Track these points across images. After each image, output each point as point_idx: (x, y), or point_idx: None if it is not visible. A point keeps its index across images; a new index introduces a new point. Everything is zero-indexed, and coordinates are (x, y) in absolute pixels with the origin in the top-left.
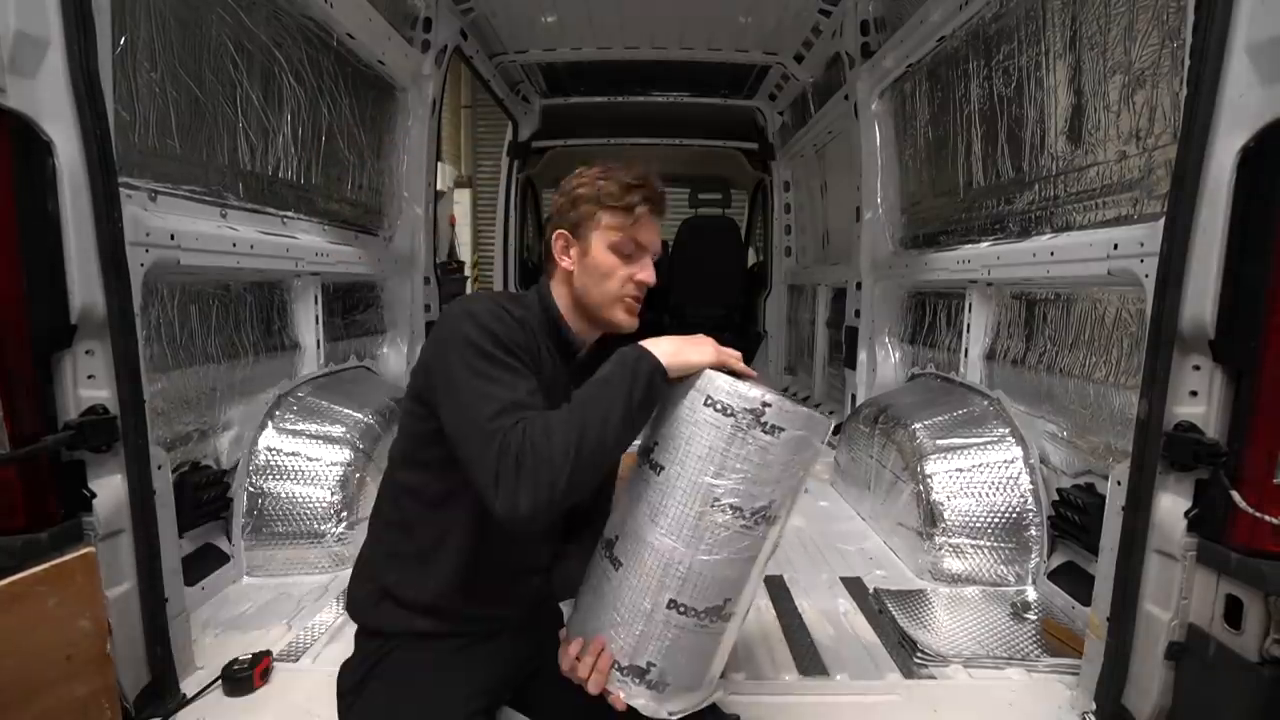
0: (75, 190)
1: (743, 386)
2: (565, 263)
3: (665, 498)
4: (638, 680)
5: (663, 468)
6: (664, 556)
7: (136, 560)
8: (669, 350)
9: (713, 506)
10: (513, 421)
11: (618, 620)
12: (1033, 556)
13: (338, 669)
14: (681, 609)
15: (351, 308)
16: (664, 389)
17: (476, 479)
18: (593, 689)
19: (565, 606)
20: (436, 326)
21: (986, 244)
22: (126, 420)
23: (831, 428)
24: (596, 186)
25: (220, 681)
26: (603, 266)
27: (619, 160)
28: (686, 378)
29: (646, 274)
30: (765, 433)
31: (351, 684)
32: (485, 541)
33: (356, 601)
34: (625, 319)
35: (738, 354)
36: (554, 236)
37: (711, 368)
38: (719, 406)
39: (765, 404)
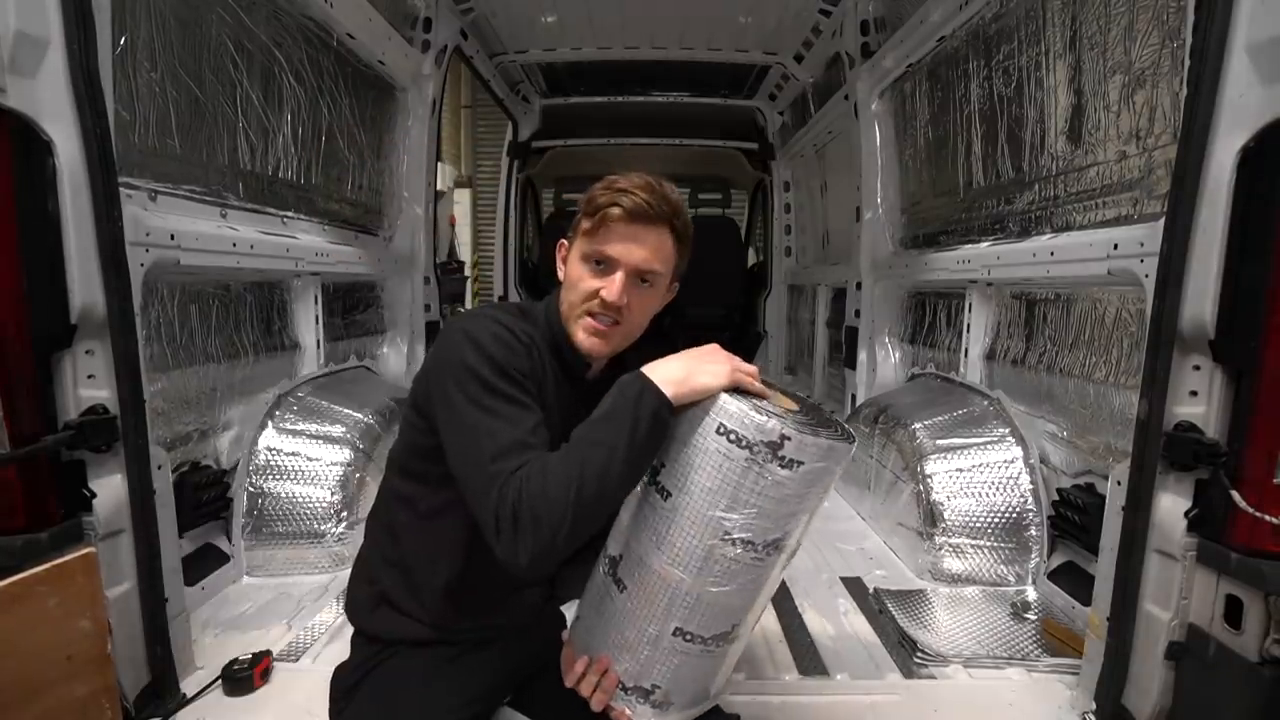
0: (75, 190)
1: (759, 416)
2: (561, 272)
3: (671, 527)
4: (642, 700)
5: (670, 494)
6: (670, 586)
7: (136, 560)
8: (676, 377)
9: (722, 540)
10: (513, 465)
11: (622, 643)
12: (1033, 556)
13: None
14: (688, 636)
15: (351, 308)
16: (670, 420)
17: (478, 519)
18: (596, 707)
19: (567, 609)
20: (438, 343)
21: (986, 244)
22: (126, 420)
23: (853, 449)
24: (589, 191)
25: (220, 681)
26: (571, 277)
27: (619, 159)
28: (699, 401)
29: (609, 291)
30: (783, 467)
31: (345, 689)
32: (478, 556)
33: (355, 603)
34: (585, 340)
35: (754, 369)
36: (558, 246)
37: (726, 389)
38: (732, 436)
39: (784, 437)
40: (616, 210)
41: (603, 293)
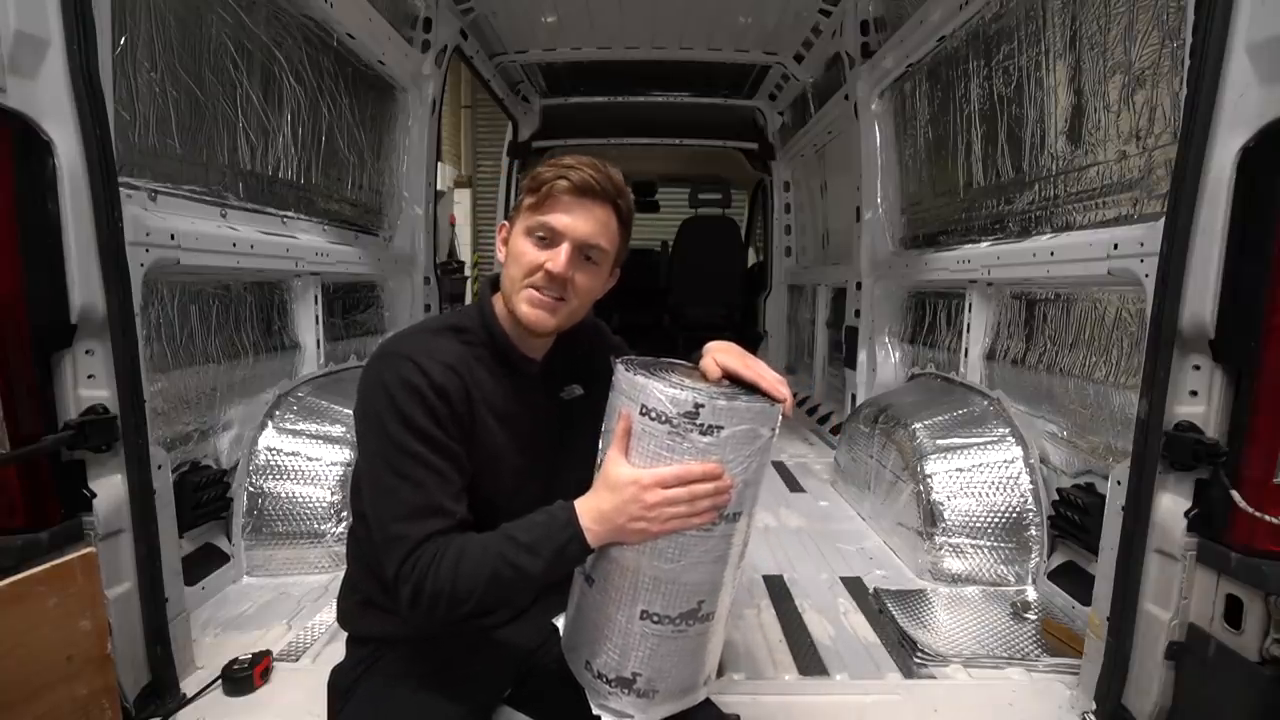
0: (75, 190)
1: (672, 390)
2: (501, 254)
3: None
4: (625, 691)
5: None
6: (629, 570)
7: (136, 560)
8: (609, 528)
9: None
10: (417, 531)
11: (598, 636)
12: (1033, 556)
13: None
14: (655, 618)
15: (351, 308)
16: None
17: (383, 567)
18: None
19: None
20: (361, 381)
21: (986, 244)
22: (126, 420)
23: (780, 413)
24: (532, 172)
25: (220, 681)
26: (514, 252)
27: (619, 160)
28: (624, 390)
29: (554, 263)
30: (703, 434)
31: (343, 687)
32: None
33: (344, 613)
34: (528, 313)
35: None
36: (499, 227)
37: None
38: (654, 414)
39: (698, 405)
40: (563, 183)
41: (548, 265)
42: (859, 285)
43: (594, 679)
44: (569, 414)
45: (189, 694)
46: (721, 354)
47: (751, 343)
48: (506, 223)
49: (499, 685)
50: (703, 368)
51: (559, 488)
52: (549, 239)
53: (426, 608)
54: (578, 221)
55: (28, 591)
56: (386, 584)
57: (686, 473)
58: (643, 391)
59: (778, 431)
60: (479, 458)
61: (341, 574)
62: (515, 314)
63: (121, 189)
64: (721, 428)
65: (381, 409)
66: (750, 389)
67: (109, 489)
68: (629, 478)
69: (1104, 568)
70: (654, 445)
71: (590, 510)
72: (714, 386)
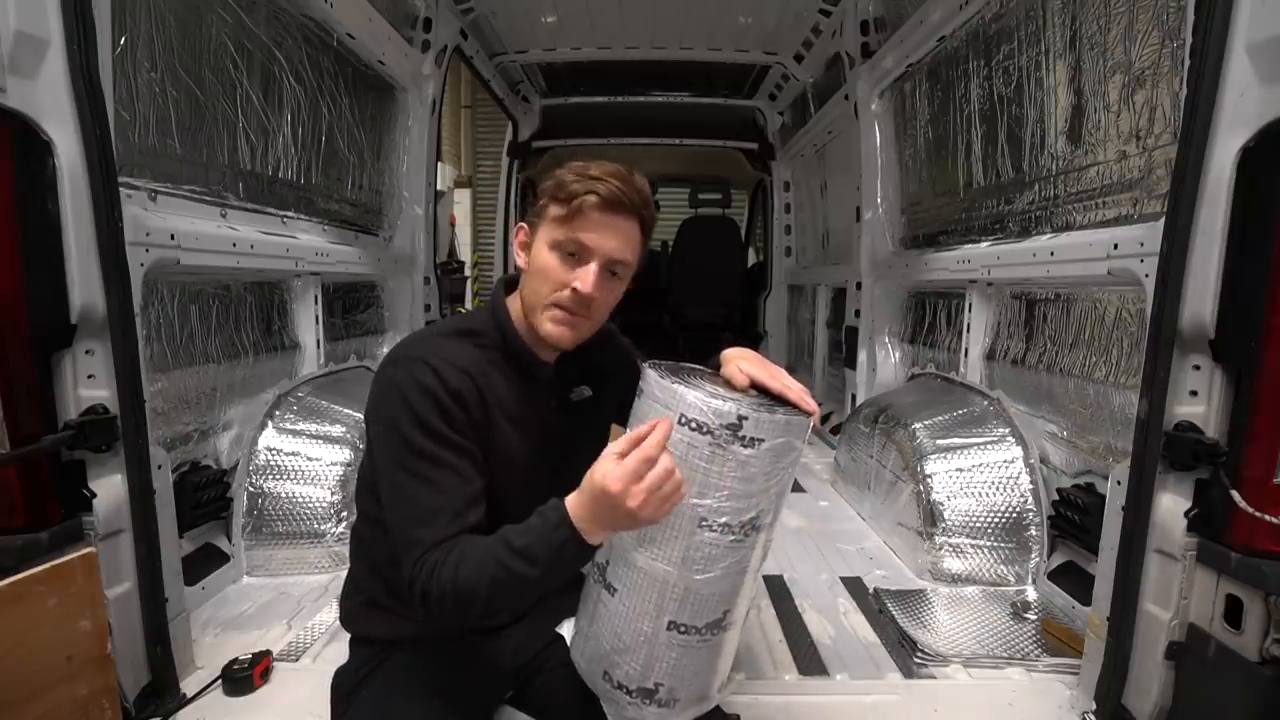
0: (75, 190)
1: (716, 401)
2: (521, 260)
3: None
4: (647, 701)
5: None
6: (658, 581)
7: (136, 560)
8: (598, 529)
9: (700, 526)
10: (431, 536)
11: (620, 646)
12: (1033, 556)
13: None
14: (682, 629)
15: (351, 307)
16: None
17: (400, 569)
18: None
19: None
20: (374, 385)
21: (986, 244)
22: (126, 420)
23: (811, 423)
24: (557, 177)
25: (220, 681)
26: (539, 265)
27: (619, 160)
28: (658, 398)
29: (583, 282)
30: (744, 446)
31: (347, 689)
32: None
33: (348, 614)
34: (552, 330)
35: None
36: (516, 229)
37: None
38: (694, 425)
39: (741, 417)
40: (593, 198)
41: (577, 284)
42: (859, 285)
43: (613, 689)
44: (577, 415)
45: (189, 694)
46: (745, 363)
47: (752, 342)
48: (525, 225)
49: (502, 687)
50: (727, 376)
51: (565, 489)
52: (577, 255)
53: (435, 610)
54: (606, 239)
55: (28, 591)
56: (400, 586)
57: (645, 453)
58: (682, 401)
59: (804, 446)
60: (493, 461)
61: (342, 574)
62: (537, 329)
63: (121, 189)
64: (762, 440)
65: (396, 412)
66: (777, 399)
67: (109, 489)
68: (599, 480)
69: (1104, 568)
70: (692, 456)
71: (580, 506)
72: (748, 397)
